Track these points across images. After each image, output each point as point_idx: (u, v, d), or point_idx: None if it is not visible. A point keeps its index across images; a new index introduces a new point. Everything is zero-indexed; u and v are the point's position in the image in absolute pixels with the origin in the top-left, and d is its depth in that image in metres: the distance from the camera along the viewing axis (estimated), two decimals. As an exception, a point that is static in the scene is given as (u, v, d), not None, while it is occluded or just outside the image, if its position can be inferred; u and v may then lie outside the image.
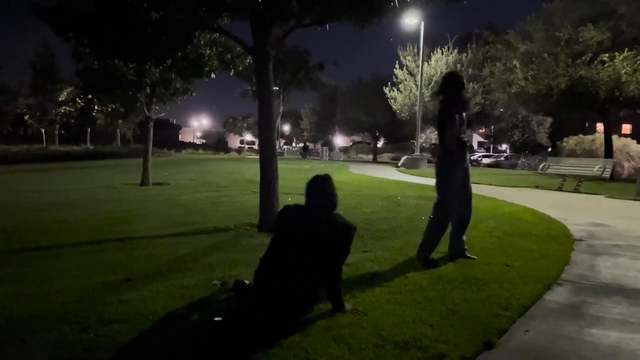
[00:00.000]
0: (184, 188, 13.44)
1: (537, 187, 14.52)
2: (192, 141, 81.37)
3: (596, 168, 14.46)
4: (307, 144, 55.43)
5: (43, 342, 2.87)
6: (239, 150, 63.54)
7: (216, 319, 3.20)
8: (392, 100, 35.62)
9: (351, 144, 68.94)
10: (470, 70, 32.60)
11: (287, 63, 38.51)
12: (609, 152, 19.45)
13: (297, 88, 43.93)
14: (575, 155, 20.98)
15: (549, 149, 42.21)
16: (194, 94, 14.75)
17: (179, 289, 3.84)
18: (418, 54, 30.47)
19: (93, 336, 2.94)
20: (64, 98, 45.42)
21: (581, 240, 6.13)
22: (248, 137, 74.84)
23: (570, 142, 23.15)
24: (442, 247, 5.39)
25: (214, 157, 42.98)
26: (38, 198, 10.93)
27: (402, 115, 35.27)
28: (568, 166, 15.62)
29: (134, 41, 6.82)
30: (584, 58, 18.00)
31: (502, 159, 43.31)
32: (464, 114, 4.95)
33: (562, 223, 7.37)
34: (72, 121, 49.72)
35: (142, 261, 4.84)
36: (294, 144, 73.29)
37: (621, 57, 17.24)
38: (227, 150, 64.98)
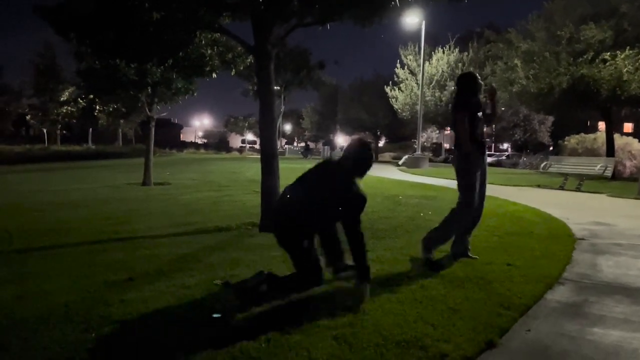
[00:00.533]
0: (186, 188, 13.45)
1: (538, 186, 14.51)
2: (193, 141, 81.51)
3: (598, 167, 14.43)
4: (309, 143, 55.45)
5: (45, 342, 2.88)
6: (241, 150, 63.60)
7: (215, 315, 3.22)
8: (394, 100, 35.61)
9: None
10: (471, 69, 32.54)
11: (288, 62, 38.46)
12: (610, 151, 19.42)
13: (299, 87, 43.86)
14: (576, 154, 20.96)
15: (551, 148, 42.16)
16: (195, 94, 14.76)
17: (180, 289, 3.85)
18: (419, 53, 30.45)
19: (95, 336, 2.95)
20: (65, 98, 45.52)
21: (583, 239, 6.12)
22: (249, 136, 74.85)
23: (572, 141, 23.13)
24: (444, 246, 5.39)
25: (216, 157, 43.02)
26: (40, 198, 10.95)
27: (404, 114, 35.26)
28: (570, 165, 15.60)
29: (135, 41, 6.83)
30: (585, 57, 17.96)
31: (504, 158, 43.28)
32: (479, 114, 4.89)
33: (564, 222, 7.36)
34: (74, 121, 49.82)
35: (143, 261, 4.84)
36: (295, 144, 73.32)
37: (623, 56, 17.20)
38: (228, 149, 65.06)
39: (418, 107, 28.62)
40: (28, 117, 49.35)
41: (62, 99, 45.62)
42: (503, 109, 34.43)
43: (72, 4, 6.48)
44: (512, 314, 3.37)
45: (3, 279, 4.22)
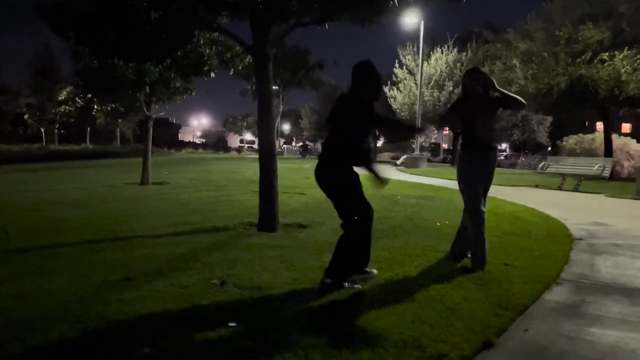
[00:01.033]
0: (184, 187, 13.44)
1: (537, 186, 14.52)
2: (191, 140, 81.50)
3: (596, 167, 14.48)
4: (307, 143, 55.44)
5: (43, 341, 2.88)
6: (239, 150, 63.60)
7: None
8: (392, 100, 35.60)
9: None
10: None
11: (286, 62, 38.49)
12: (608, 151, 19.45)
13: (297, 87, 43.92)
14: (575, 154, 21.01)
15: (549, 148, 42.24)
16: (193, 93, 14.75)
17: (178, 289, 3.84)
18: (418, 53, 30.47)
19: (93, 336, 2.95)
20: (63, 97, 45.47)
21: (581, 239, 6.13)
22: (248, 136, 74.90)
23: (570, 141, 23.17)
24: (443, 246, 5.40)
25: (214, 157, 43.02)
26: (38, 197, 10.93)
27: (402, 114, 35.25)
28: (568, 165, 15.65)
29: (134, 41, 6.82)
30: (583, 57, 17.99)
31: (502, 158, 43.30)
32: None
33: (562, 222, 7.37)
34: (72, 120, 49.75)
35: (141, 260, 4.84)
36: (293, 143, 73.31)
37: (621, 56, 17.23)
38: (226, 149, 65.06)
39: (416, 107, 28.62)
40: (26, 117, 49.30)
41: (60, 98, 45.59)
42: (501, 109, 34.42)
43: (71, 4, 6.47)
44: (509, 314, 3.37)
45: (1, 278, 4.22)
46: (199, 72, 11.41)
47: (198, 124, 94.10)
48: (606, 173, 14.49)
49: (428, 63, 32.79)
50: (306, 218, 7.60)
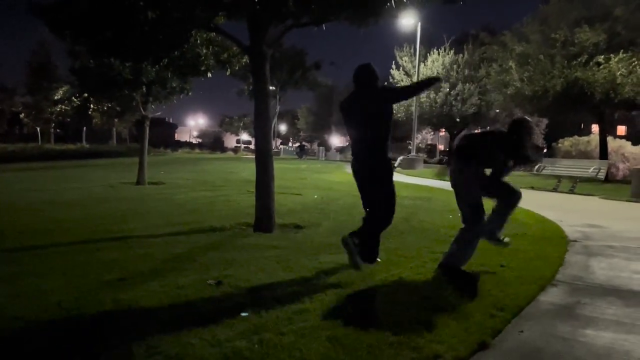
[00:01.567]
0: (180, 187, 13.42)
1: (532, 187, 14.55)
2: (188, 140, 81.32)
3: (591, 169, 14.51)
4: (304, 143, 55.45)
5: (37, 341, 2.87)
6: (236, 150, 63.50)
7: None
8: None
9: (347, 144, 68.97)
10: (466, 71, 32.66)
11: (283, 62, 38.53)
12: (604, 153, 19.53)
13: (294, 88, 43.97)
14: (570, 156, 21.08)
15: (544, 150, 42.37)
16: (190, 93, 14.73)
17: (174, 289, 3.84)
18: (414, 55, 30.49)
19: (88, 336, 2.94)
20: (59, 97, 45.32)
21: (576, 241, 6.16)
22: (244, 136, 74.79)
23: (566, 143, 23.25)
24: (439, 247, 5.41)
25: (210, 157, 42.96)
26: (34, 197, 10.89)
27: (399, 115, 35.25)
28: (563, 167, 15.67)
29: (131, 40, 6.80)
30: (579, 60, 18.05)
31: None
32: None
33: (557, 224, 7.39)
34: (68, 120, 49.62)
35: (137, 260, 4.83)
36: (290, 144, 73.28)
37: (616, 59, 17.30)
38: (223, 149, 64.96)
39: (413, 109, 28.66)
40: (22, 116, 49.11)
41: (56, 97, 45.45)
42: (497, 111, 34.52)
43: (68, 3, 6.45)
44: (505, 315, 3.38)
45: (-5, 278, 4.20)
46: (195, 72, 11.40)
47: (195, 124, 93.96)
48: (601, 175, 14.52)
49: (425, 64, 32.83)
50: (302, 219, 7.60)
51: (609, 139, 21.17)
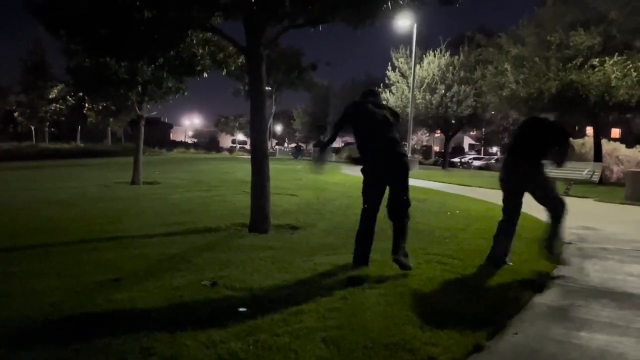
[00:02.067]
0: (175, 187, 13.39)
1: (527, 190, 14.60)
2: (183, 140, 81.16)
3: (585, 172, 14.56)
4: (300, 144, 55.43)
5: (31, 342, 2.85)
6: (231, 150, 63.46)
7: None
8: (385, 102, 35.64)
9: (343, 144, 68.99)
10: (462, 73, 32.70)
11: (280, 63, 38.50)
12: (598, 156, 19.61)
13: (290, 88, 43.95)
14: (565, 158, 21.11)
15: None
16: (185, 93, 14.70)
17: (168, 289, 3.82)
18: (410, 56, 30.53)
19: (81, 336, 2.92)
20: (54, 95, 45.14)
21: (570, 243, 6.18)
22: (240, 136, 74.72)
23: (560, 145, 23.28)
24: (434, 248, 5.42)
25: (206, 157, 42.90)
26: (28, 196, 10.84)
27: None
28: (557, 169, 15.71)
29: (127, 39, 6.79)
30: (574, 62, 18.13)
31: (493, 161, 43.58)
32: None
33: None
34: (63, 119, 49.42)
35: (132, 261, 4.81)
36: (286, 144, 73.27)
37: (611, 62, 17.39)
38: (218, 149, 64.91)
39: (409, 110, 28.70)
40: (16, 114, 48.89)
41: (50, 96, 45.26)
42: (493, 112, 34.62)
43: (64, 2, 6.43)
44: (499, 317, 3.39)
45: (-11, 278, 4.18)
46: (191, 72, 11.38)
47: (190, 124, 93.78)
48: (595, 178, 14.58)
49: (420, 66, 32.87)
50: (298, 219, 7.60)
51: (604, 141, 21.27)
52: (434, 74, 33.00)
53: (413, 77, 28.78)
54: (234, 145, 72.48)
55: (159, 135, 67.27)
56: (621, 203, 11.45)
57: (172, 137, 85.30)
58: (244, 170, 18.03)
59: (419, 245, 5.70)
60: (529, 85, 19.51)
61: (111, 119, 45.85)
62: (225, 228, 6.83)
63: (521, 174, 5.00)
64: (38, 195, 10.96)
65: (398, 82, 34.47)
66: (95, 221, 7.36)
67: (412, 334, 3.02)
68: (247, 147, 62.98)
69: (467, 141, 72.41)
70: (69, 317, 3.20)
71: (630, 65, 17.17)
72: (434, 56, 33.40)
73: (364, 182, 4.85)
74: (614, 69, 17.34)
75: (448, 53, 33.36)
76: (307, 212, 8.42)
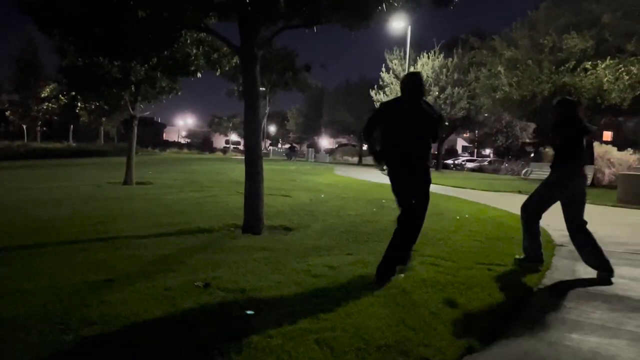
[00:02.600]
0: (168, 188, 13.34)
1: (519, 192, 14.67)
2: (176, 140, 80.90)
3: (578, 174, 14.63)
4: (293, 145, 55.42)
5: (22, 343, 2.83)
6: (224, 151, 63.32)
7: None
8: (379, 103, 35.71)
9: (337, 146, 69.08)
10: (455, 75, 32.84)
11: (274, 64, 38.48)
12: (590, 158, 19.74)
13: (284, 89, 43.93)
14: (557, 161, 21.21)
15: (532, 155, 42.73)
16: (179, 93, 14.66)
17: (161, 290, 3.81)
18: (404, 58, 30.62)
19: (73, 337, 2.90)
20: (46, 94, 44.87)
21: (562, 245, 6.21)
22: (234, 137, 74.57)
23: (553, 148, 23.41)
24: (427, 250, 5.43)
25: (199, 157, 42.78)
26: (19, 196, 10.77)
27: (388, 118, 35.36)
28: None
29: (120, 39, 6.76)
30: (567, 65, 18.26)
31: (486, 163, 43.79)
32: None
33: (544, 228, 7.43)
34: (55, 118, 49.13)
35: (124, 261, 4.79)
36: (279, 145, 73.22)
37: (603, 65, 17.53)
38: (212, 150, 64.77)
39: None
40: (7, 113, 48.53)
41: (42, 95, 44.99)
42: (486, 115, 34.78)
43: (57, 1, 6.39)
44: (492, 318, 3.40)
45: (-21, 278, 4.14)
46: (185, 72, 11.35)
47: (183, 124, 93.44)
48: (587, 180, 14.70)
49: (414, 68, 32.96)
50: (291, 221, 7.60)
51: (596, 144, 21.39)
52: (427, 76, 33.09)
53: (407, 78, 28.79)
54: (228, 145, 72.32)
55: (152, 135, 67.05)
56: (613, 205, 11.52)
57: (165, 137, 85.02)
58: (237, 170, 18.00)
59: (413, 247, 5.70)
60: (522, 87, 19.62)
61: (104, 119, 45.67)
62: (219, 229, 6.81)
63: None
64: (29, 195, 10.88)
65: (392, 83, 34.55)
66: (88, 221, 7.31)
67: (405, 335, 3.03)
68: (241, 147, 62.89)
69: (460, 143, 72.67)
70: (60, 318, 3.17)
71: (623, 69, 17.31)
72: (428, 58, 33.53)
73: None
74: (607, 72, 17.48)
75: (442, 55, 33.50)
76: (300, 213, 8.42)
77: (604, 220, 8.94)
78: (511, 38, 20.74)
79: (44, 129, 51.71)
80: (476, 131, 51.15)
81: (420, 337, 3.02)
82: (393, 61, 34.73)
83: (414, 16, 20.67)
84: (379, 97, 35.46)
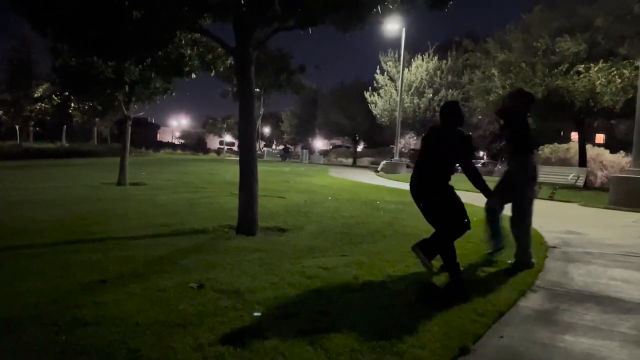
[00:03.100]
0: (162, 189, 13.29)
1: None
2: (170, 141, 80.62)
3: (570, 176, 14.71)
4: (288, 146, 55.38)
5: (15, 344, 2.82)
6: (219, 151, 63.18)
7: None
8: (373, 105, 35.81)
9: (331, 147, 69.08)
10: (449, 78, 32.96)
11: (269, 65, 38.45)
12: (583, 161, 19.85)
13: (279, 90, 43.90)
14: (550, 163, 21.34)
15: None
16: (173, 94, 14.62)
17: (155, 292, 3.80)
18: (399, 60, 30.69)
19: (66, 339, 2.89)
20: (39, 94, 44.61)
21: (555, 247, 6.25)
22: (228, 138, 74.42)
23: (546, 150, 23.55)
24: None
25: (193, 158, 42.65)
26: (13, 196, 10.69)
27: (382, 120, 35.47)
28: (543, 174, 15.82)
29: (114, 39, 6.73)
30: (560, 68, 18.36)
31: (479, 165, 43.90)
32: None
33: (537, 230, 7.48)
34: (48, 118, 48.85)
35: (118, 262, 4.77)
36: (274, 146, 73.12)
37: (596, 69, 17.62)
38: (206, 151, 64.60)
39: (397, 114, 28.84)
40: (0, 113, 48.18)
41: (35, 95, 44.72)
42: (480, 117, 34.90)
43: (51, 1, 6.36)
44: (485, 320, 3.41)
45: (-29, 279, 4.11)
46: (179, 73, 11.31)
47: (177, 125, 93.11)
48: (580, 182, 14.75)
49: (409, 70, 33.07)
50: (286, 222, 7.59)
51: (588, 146, 21.54)
52: (422, 78, 33.23)
53: (401, 80, 28.92)
54: (222, 146, 72.16)
55: (146, 135, 66.73)
56: (605, 208, 11.59)
57: (159, 137, 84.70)
58: (231, 171, 17.97)
59: (407, 249, 5.70)
60: (515, 90, 19.70)
61: (97, 119, 45.42)
62: (213, 230, 6.79)
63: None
64: (23, 196, 10.82)
65: (386, 85, 34.65)
66: (81, 222, 7.28)
67: (399, 336, 3.03)
68: (235, 148, 62.77)
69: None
70: (53, 319, 3.16)
71: (615, 72, 17.42)
72: (422, 60, 33.63)
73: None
74: (599, 75, 17.58)
75: (436, 57, 33.62)
76: (295, 215, 8.42)
77: (596, 223, 9.00)
78: (505, 41, 20.82)
79: (37, 129, 51.39)
80: (470, 133, 51.26)
81: (414, 338, 3.03)
82: (387, 63, 34.82)
83: (408, 18, 20.78)
84: (374, 99, 35.54)
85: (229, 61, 10.75)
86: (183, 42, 10.03)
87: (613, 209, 11.39)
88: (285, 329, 3.11)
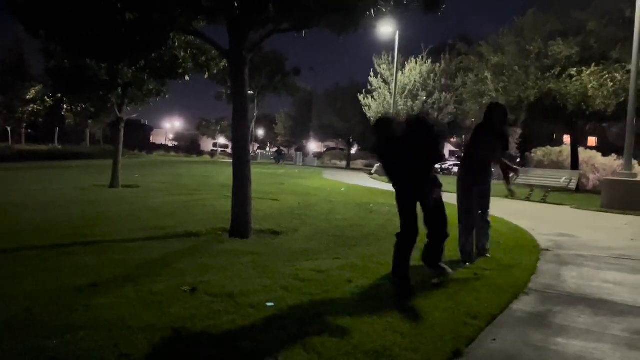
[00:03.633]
0: (155, 191, 13.24)
1: (505, 197, 14.78)
2: (164, 143, 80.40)
3: (563, 179, 14.79)
4: (281, 148, 55.36)
5: (6, 348, 2.79)
6: (212, 154, 63.08)
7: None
8: (367, 108, 35.85)
9: (325, 149, 69.12)
10: (443, 80, 33.05)
11: (263, 67, 38.46)
12: (575, 164, 19.95)
13: (273, 92, 43.92)
14: (543, 166, 21.45)
15: (518, 160, 43.09)
16: (167, 96, 14.60)
17: (148, 295, 3.78)
18: (393, 63, 30.77)
19: (58, 343, 2.87)
20: (32, 96, 44.36)
21: (547, 250, 6.27)
22: (221, 140, 74.32)
23: (539, 153, 23.67)
24: (415, 254, 5.44)
25: (186, 160, 42.56)
26: (4, 198, 10.62)
27: (376, 122, 35.46)
28: (536, 177, 15.93)
29: (108, 41, 6.71)
30: (553, 72, 18.46)
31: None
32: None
33: (530, 233, 7.52)
34: (40, 120, 48.55)
35: (111, 266, 4.74)
36: (267, 149, 73.07)
37: (588, 72, 17.73)
38: (199, 153, 64.47)
39: (390, 116, 28.83)
40: (-9, 114, 47.88)
41: (28, 96, 44.46)
42: (473, 120, 35.02)
43: (44, 2, 6.33)
44: (478, 323, 3.42)
45: (-38, 283, 4.08)
46: (173, 75, 11.29)
47: (171, 127, 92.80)
48: (572, 185, 14.84)
49: (402, 73, 33.13)
50: (279, 224, 7.58)
51: (580, 149, 21.64)
52: (415, 81, 33.27)
53: (395, 83, 28.99)
54: (216, 148, 72.07)
55: (139, 137, 66.45)
56: (597, 210, 11.65)
57: (152, 139, 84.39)
58: (225, 174, 17.94)
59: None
60: (508, 93, 19.78)
61: (90, 121, 45.20)
62: (206, 233, 6.77)
63: None
64: (14, 198, 10.74)
65: (380, 88, 34.68)
66: (74, 225, 7.24)
67: (393, 340, 3.03)
68: (229, 150, 62.66)
69: (447, 148, 73.13)
70: (45, 323, 3.14)
71: (607, 76, 17.53)
72: (416, 63, 33.69)
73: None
74: (591, 78, 17.68)
75: (429, 60, 33.69)
76: (288, 217, 8.41)
77: (588, 225, 9.05)
78: (498, 44, 20.91)
79: (29, 131, 51.10)
80: (463, 136, 51.44)
81: (407, 341, 3.02)
82: (381, 66, 34.86)
83: (402, 21, 20.81)
84: (367, 102, 35.58)
85: (223, 63, 10.74)
86: (177, 44, 10.00)
87: (605, 212, 11.46)
88: (279, 332, 3.10)
